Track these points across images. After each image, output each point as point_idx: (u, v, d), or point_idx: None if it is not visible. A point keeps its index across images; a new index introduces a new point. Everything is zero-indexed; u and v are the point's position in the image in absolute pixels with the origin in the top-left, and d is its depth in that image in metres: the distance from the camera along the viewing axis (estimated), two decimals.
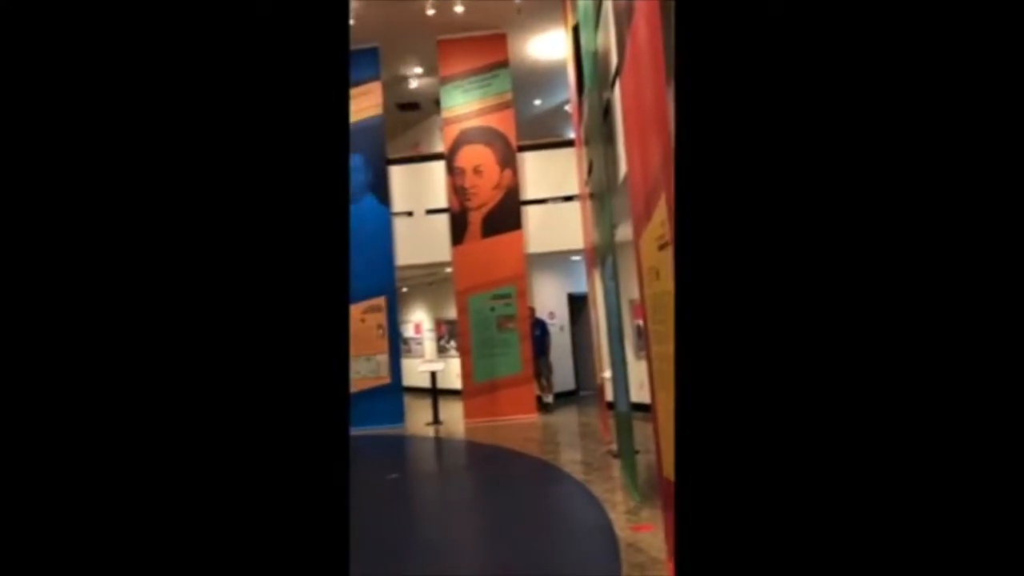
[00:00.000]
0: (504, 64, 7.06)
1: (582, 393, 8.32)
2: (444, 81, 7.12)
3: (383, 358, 6.98)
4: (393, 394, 6.95)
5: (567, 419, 6.66)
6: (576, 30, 5.35)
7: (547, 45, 7.37)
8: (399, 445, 5.99)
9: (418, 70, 8.01)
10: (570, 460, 4.72)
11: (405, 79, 8.21)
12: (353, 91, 7.18)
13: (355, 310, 6.98)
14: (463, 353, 6.91)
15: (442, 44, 7.08)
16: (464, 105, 7.07)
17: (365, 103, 7.20)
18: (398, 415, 6.89)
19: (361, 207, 7.11)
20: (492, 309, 6.83)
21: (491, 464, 4.98)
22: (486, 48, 7.06)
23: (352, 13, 6.52)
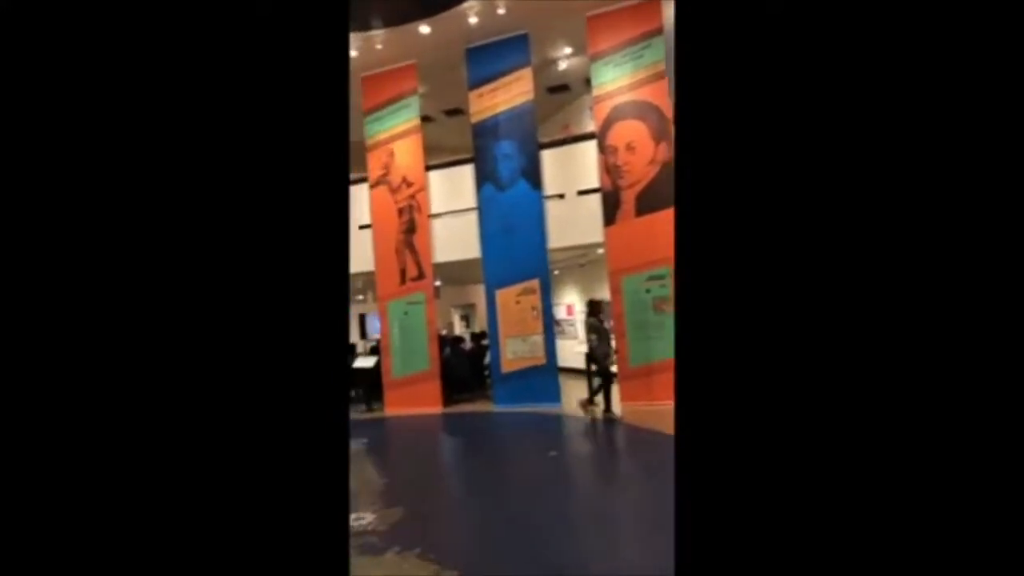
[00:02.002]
0: (657, 32, 6.69)
1: None
2: (594, 58, 6.98)
3: (538, 338, 7.17)
4: (549, 374, 7.11)
5: None
6: None
7: None
8: (557, 424, 6.14)
9: (567, 50, 7.96)
10: None
11: (554, 62, 8.22)
12: (504, 79, 7.39)
13: (509, 292, 7.26)
14: (617, 336, 6.81)
15: (592, 20, 6.93)
16: (615, 80, 6.86)
17: (516, 90, 7.37)
18: (554, 394, 7.05)
19: (514, 193, 7.33)
20: (647, 291, 6.61)
21: (649, 448, 4.87)
22: (637, 17, 6.75)
23: (502, 4, 6.68)
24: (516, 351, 7.27)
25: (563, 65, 8.29)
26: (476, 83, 7.57)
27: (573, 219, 7.19)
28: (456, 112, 9.41)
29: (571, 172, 7.29)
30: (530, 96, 7.34)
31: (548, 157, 7.38)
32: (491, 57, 7.47)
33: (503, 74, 7.41)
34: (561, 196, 7.30)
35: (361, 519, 3.46)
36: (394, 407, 7.73)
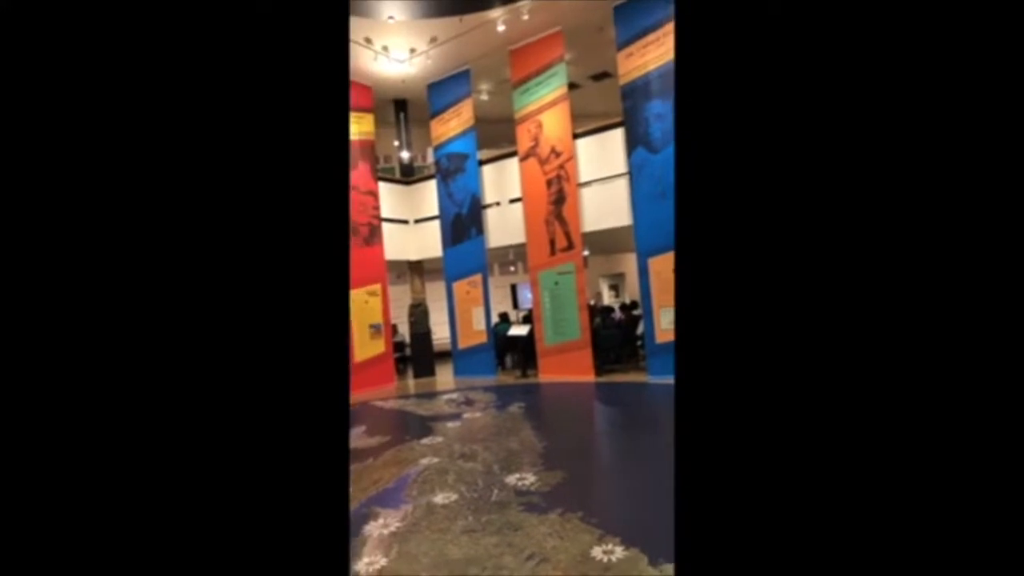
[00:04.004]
0: None
1: None
2: None
3: None
4: None
5: None
6: None
7: None
8: None
9: None
10: None
11: None
12: (655, 34, 6.96)
13: (665, 260, 6.96)
14: None
15: None
16: None
17: (670, 44, 6.88)
18: None
19: (668, 155, 6.93)
20: None
21: None
22: None
23: None
24: (664, 325, 6.99)
25: None
26: (625, 42, 7.23)
27: None
28: (603, 76, 9.12)
29: None
30: None
31: None
32: (641, 12, 7.06)
33: (654, 28, 6.97)
34: None
35: (524, 479, 3.65)
36: (547, 374, 7.97)
